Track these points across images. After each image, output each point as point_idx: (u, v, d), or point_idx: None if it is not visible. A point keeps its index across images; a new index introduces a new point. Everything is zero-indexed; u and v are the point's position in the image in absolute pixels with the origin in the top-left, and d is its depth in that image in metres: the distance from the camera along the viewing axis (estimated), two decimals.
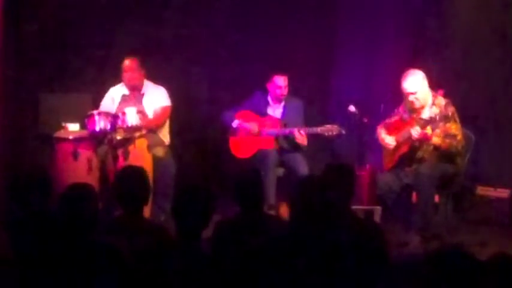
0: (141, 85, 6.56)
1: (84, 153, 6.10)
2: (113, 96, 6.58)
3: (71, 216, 3.77)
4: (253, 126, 6.71)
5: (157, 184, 5.95)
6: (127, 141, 6.09)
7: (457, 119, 5.88)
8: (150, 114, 6.42)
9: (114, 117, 6.10)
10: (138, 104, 6.39)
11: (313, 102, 7.54)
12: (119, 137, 6.10)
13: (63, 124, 6.38)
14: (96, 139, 6.18)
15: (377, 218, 6.12)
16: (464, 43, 7.14)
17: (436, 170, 5.82)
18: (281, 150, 6.70)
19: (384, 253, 3.57)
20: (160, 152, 6.39)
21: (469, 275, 2.92)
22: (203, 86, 7.95)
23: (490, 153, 6.91)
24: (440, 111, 5.83)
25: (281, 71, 6.70)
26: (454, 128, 5.84)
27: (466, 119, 6.07)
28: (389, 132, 6.13)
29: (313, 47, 7.83)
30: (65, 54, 7.50)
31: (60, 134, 6.30)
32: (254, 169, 5.13)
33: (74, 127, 6.35)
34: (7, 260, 3.59)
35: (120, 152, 6.05)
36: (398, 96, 6.13)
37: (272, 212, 6.09)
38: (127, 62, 6.50)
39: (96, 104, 6.63)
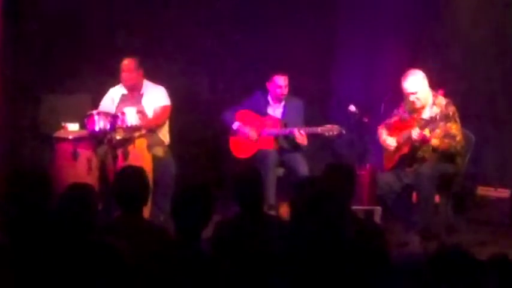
0: (140, 85, 6.55)
1: (84, 153, 6.10)
2: (113, 97, 6.57)
3: (70, 216, 3.76)
4: (252, 133, 6.70)
5: (157, 184, 5.94)
6: (127, 141, 6.08)
7: (458, 119, 5.87)
8: (150, 114, 6.41)
9: (113, 117, 6.09)
10: (137, 104, 6.38)
11: (313, 102, 7.53)
12: (118, 137, 6.09)
13: (63, 124, 6.37)
14: (96, 139, 6.17)
15: (377, 218, 6.12)
16: (464, 43, 7.14)
17: (437, 170, 5.82)
18: (281, 150, 6.69)
19: (384, 253, 3.57)
20: (160, 152, 6.38)
21: (469, 275, 2.92)
22: (203, 86, 7.95)
23: (490, 153, 6.91)
24: (441, 111, 5.83)
25: (281, 71, 6.70)
26: (455, 128, 5.83)
27: (466, 119, 6.06)
28: (390, 132, 6.12)
29: (314, 47, 7.83)
30: (64, 54, 7.49)
31: (60, 133, 6.29)
32: (254, 169, 5.12)
33: (73, 127, 6.35)
34: (6, 260, 3.58)
35: (119, 152, 6.05)
36: (399, 96, 6.13)
37: (272, 212, 6.09)
38: (125, 62, 6.50)
39: (95, 104, 6.62)
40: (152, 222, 4.55)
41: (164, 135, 6.56)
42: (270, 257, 3.55)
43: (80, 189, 3.97)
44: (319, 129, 6.53)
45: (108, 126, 6.05)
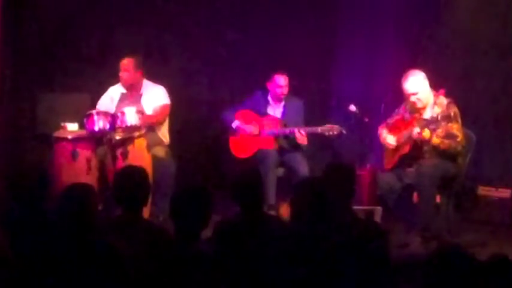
0: (139, 85, 6.54)
1: (83, 153, 6.08)
2: (112, 96, 6.56)
3: (70, 216, 3.76)
4: (253, 129, 6.69)
5: (156, 184, 5.93)
6: (126, 141, 6.06)
7: (459, 119, 5.86)
8: (150, 113, 6.39)
9: (113, 117, 6.07)
10: (136, 104, 6.36)
11: (313, 101, 7.54)
12: (118, 137, 6.08)
13: (62, 124, 6.36)
14: (95, 139, 6.16)
15: (377, 218, 6.10)
16: (464, 43, 7.13)
17: (437, 170, 5.80)
18: (281, 150, 6.68)
19: (385, 254, 3.56)
20: (159, 151, 6.37)
21: (470, 276, 2.91)
22: (203, 86, 7.95)
23: (491, 153, 6.90)
24: (442, 111, 5.82)
25: (281, 71, 6.69)
26: (456, 128, 5.82)
27: (467, 119, 6.05)
28: (391, 132, 6.11)
29: (314, 47, 7.83)
30: (64, 53, 7.48)
31: (59, 133, 6.28)
32: (254, 169, 5.11)
33: (72, 127, 6.33)
34: (6, 260, 3.58)
35: (119, 151, 6.03)
36: (399, 96, 6.12)
37: (272, 212, 6.08)
38: (124, 62, 6.49)
39: (95, 104, 6.61)
40: (152, 222, 4.53)
41: (164, 135, 6.55)
42: (270, 257, 3.55)
43: (79, 189, 3.97)
44: (319, 129, 6.52)
45: (107, 126, 6.04)
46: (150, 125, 6.35)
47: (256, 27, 7.77)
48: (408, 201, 5.95)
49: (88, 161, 6.08)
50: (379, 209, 6.17)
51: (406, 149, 5.97)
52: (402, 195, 5.92)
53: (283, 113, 6.79)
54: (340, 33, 7.91)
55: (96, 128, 6.04)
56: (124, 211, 4.16)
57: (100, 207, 5.00)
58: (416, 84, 5.90)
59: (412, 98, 5.91)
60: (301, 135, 6.52)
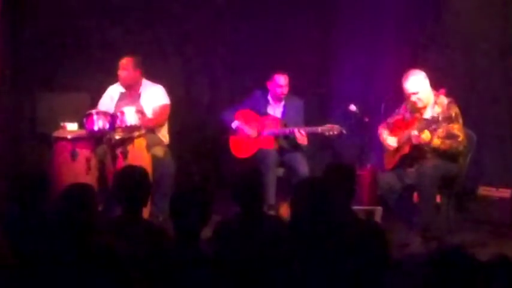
0: (138, 84, 6.52)
1: (83, 153, 6.09)
2: (111, 95, 6.56)
3: (69, 216, 3.75)
4: (252, 132, 6.69)
5: (156, 184, 5.91)
6: (126, 140, 6.06)
7: (460, 119, 5.85)
8: (149, 113, 6.39)
9: (112, 117, 6.07)
10: (136, 103, 6.36)
11: (313, 101, 7.53)
12: (117, 137, 6.07)
13: (62, 123, 6.36)
14: (95, 139, 6.16)
15: (378, 218, 6.10)
16: (464, 42, 7.12)
17: (438, 170, 5.79)
18: (281, 150, 6.68)
19: (385, 254, 3.55)
20: (159, 151, 6.36)
21: (470, 276, 2.91)
22: (203, 86, 7.94)
23: (491, 153, 6.89)
24: (443, 111, 5.81)
25: (281, 70, 6.69)
26: (457, 128, 5.82)
27: (467, 119, 6.04)
28: (391, 132, 6.10)
29: (314, 46, 7.83)
30: (63, 53, 7.48)
31: (59, 133, 6.28)
32: (254, 169, 5.11)
33: (72, 126, 6.34)
34: (5, 260, 3.57)
35: (118, 151, 6.03)
36: (399, 96, 6.11)
37: (272, 212, 6.07)
38: (123, 61, 6.48)
39: (94, 104, 6.61)
40: (151, 223, 4.53)
41: (163, 135, 6.54)
42: (270, 257, 3.54)
43: (79, 189, 3.96)
44: (319, 129, 6.52)
45: (107, 126, 6.03)
46: (150, 128, 6.34)
47: (257, 27, 7.76)
48: (408, 201, 5.95)
49: (87, 160, 6.08)
50: (379, 209, 6.17)
51: (406, 149, 5.96)
52: (402, 195, 5.91)
53: (283, 113, 6.78)
54: (340, 33, 7.90)
55: (96, 128, 6.03)
56: (124, 211, 4.15)
57: (100, 208, 4.99)
58: (417, 83, 5.90)
59: (413, 98, 5.90)
60: (301, 135, 6.52)
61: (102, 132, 6.07)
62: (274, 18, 7.79)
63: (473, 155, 6.10)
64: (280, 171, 6.66)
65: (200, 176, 7.48)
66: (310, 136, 6.58)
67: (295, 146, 6.63)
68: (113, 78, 6.58)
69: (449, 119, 5.77)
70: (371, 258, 3.34)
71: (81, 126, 6.26)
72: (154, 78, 6.62)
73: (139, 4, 7.70)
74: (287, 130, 6.65)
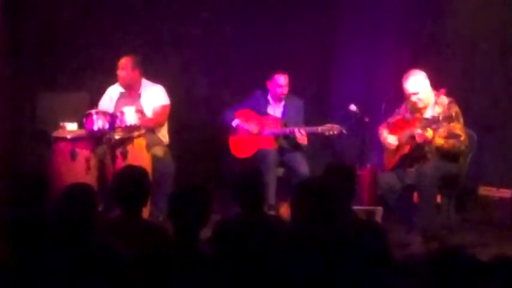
0: (137, 84, 6.51)
1: (82, 153, 6.07)
2: (111, 95, 6.55)
3: (69, 216, 3.74)
4: (253, 127, 6.68)
5: (156, 184, 5.90)
6: (125, 140, 6.05)
7: (461, 119, 5.84)
8: (149, 113, 6.38)
9: (112, 117, 6.06)
10: (135, 103, 6.35)
11: (314, 101, 7.52)
12: (117, 137, 6.06)
13: (61, 123, 6.34)
14: (95, 138, 6.14)
15: (378, 218, 6.09)
16: (465, 42, 7.12)
17: (438, 170, 5.79)
18: (281, 150, 6.67)
19: (385, 254, 3.54)
20: (159, 151, 6.35)
21: (471, 276, 2.90)
22: (203, 85, 7.93)
23: (492, 153, 6.88)
24: (443, 111, 5.80)
25: (282, 70, 6.68)
26: (458, 128, 5.81)
27: (467, 119, 6.03)
28: (392, 132, 6.09)
29: (314, 46, 7.82)
30: (63, 53, 7.47)
31: (58, 133, 6.26)
32: (255, 169, 5.10)
33: (71, 126, 6.32)
34: (5, 260, 3.56)
35: (118, 151, 6.01)
36: (400, 95, 6.11)
37: (272, 212, 6.06)
38: (122, 61, 6.47)
39: (94, 103, 6.59)
40: (151, 223, 4.52)
41: (163, 134, 6.53)
42: (270, 258, 3.53)
43: (78, 190, 3.96)
44: (319, 129, 6.51)
45: (106, 126, 6.02)
46: (150, 128, 6.33)
47: (257, 27, 7.75)
48: (409, 202, 5.94)
49: (87, 160, 6.06)
50: (379, 209, 6.16)
51: (406, 149, 5.95)
52: (403, 195, 5.90)
53: (283, 113, 6.77)
54: (340, 33, 7.90)
55: (96, 128, 6.02)
56: (123, 211, 4.14)
57: (99, 208, 4.98)
58: (417, 84, 5.89)
59: (413, 98, 5.90)
60: (301, 135, 6.51)
61: (101, 132, 6.05)
62: (275, 18, 7.78)
63: (474, 155, 6.09)
64: (280, 171, 6.65)
65: (200, 176, 7.47)
66: (310, 136, 6.57)
67: (295, 145, 6.63)
68: (112, 78, 6.57)
69: (449, 119, 5.76)
70: (371, 258, 3.33)
71: (80, 126, 6.25)
72: (154, 78, 6.61)
73: (140, 4, 7.69)
74: (287, 130, 6.65)
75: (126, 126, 6.04)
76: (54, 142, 6.20)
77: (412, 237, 5.77)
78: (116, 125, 6.04)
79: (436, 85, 6.00)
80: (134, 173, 4.27)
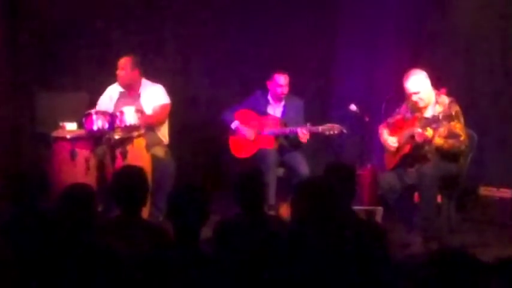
0: (137, 84, 6.50)
1: (82, 153, 6.06)
2: (111, 94, 6.54)
3: (68, 216, 3.74)
4: (250, 134, 6.67)
5: (156, 184, 5.90)
6: (125, 140, 6.04)
7: (461, 118, 5.83)
8: (149, 112, 6.36)
9: (112, 117, 6.05)
10: (135, 103, 6.34)
11: (314, 101, 7.51)
12: (117, 137, 6.05)
13: (61, 123, 6.34)
14: (94, 138, 6.14)
15: (379, 218, 6.08)
16: (465, 41, 7.11)
17: (439, 171, 5.77)
18: (281, 150, 6.66)
19: (385, 254, 3.54)
20: (159, 151, 6.34)
21: (472, 277, 2.88)
22: (203, 85, 7.92)
23: (492, 153, 6.88)
24: (444, 110, 5.79)
25: (282, 70, 6.67)
26: (458, 127, 5.80)
27: (468, 118, 6.02)
28: (392, 131, 6.08)
29: (314, 46, 7.81)
30: (62, 53, 7.46)
31: (58, 133, 6.26)
32: (256, 169, 5.10)
33: (71, 126, 6.31)
34: (5, 261, 3.56)
35: (118, 151, 6.01)
36: (400, 95, 6.09)
37: (272, 212, 6.05)
38: (121, 60, 6.47)
39: (93, 103, 6.58)
40: (151, 223, 4.51)
41: (163, 134, 6.52)
42: (270, 258, 3.52)
43: (78, 190, 3.95)
44: (319, 129, 6.50)
45: (106, 126, 6.01)
46: (150, 126, 6.32)
47: (257, 27, 7.75)
48: (409, 202, 5.93)
49: (87, 160, 6.06)
50: (380, 209, 6.15)
51: (407, 149, 5.94)
52: (403, 195, 5.89)
53: (283, 113, 6.76)
54: (340, 32, 7.89)
55: (95, 128, 6.01)
56: (123, 211, 4.13)
57: (99, 208, 4.98)
58: (418, 83, 5.88)
59: (414, 98, 5.88)
60: (303, 135, 6.50)
61: (101, 132, 6.05)
62: (275, 18, 7.77)
63: (474, 154, 6.08)
64: (280, 171, 6.65)
65: (200, 176, 7.46)
66: (311, 135, 6.56)
67: (295, 145, 6.62)
68: (112, 78, 6.56)
69: (449, 118, 5.75)
70: (371, 258, 3.32)
71: (80, 126, 6.24)
72: (155, 78, 6.60)
73: (140, 4, 7.68)
74: (287, 130, 6.64)
75: (125, 126, 6.03)
76: (53, 142, 6.19)
77: (412, 238, 5.76)
78: (116, 125, 6.03)
79: (436, 84, 5.99)
80: (132, 173, 4.26)
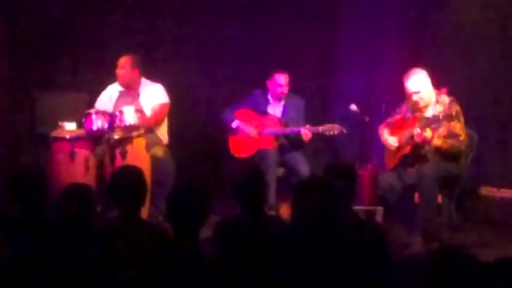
0: (137, 84, 6.49)
1: (81, 153, 6.06)
2: (110, 94, 6.54)
3: (67, 217, 3.73)
4: (252, 131, 6.66)
5: (155, 184, 5.89)
6: (125, 140, 6.03)
7: (461, 118, 5.83)
8: (148, 112, 6.36)
9: (111, 116, 6.04)
10: (134, 103, 6.33)
11: (314, 101, 7.51)
12: (116, 137, 6.04)
13: (60, 123, 6.33)
14: (94, 138, 6.13)
15: (379, 218, 6.07)
16: (466, 41, 7.11)
17: (439, 171, 5.77)
18: (281, 150, 6.65)
19: (385, 254, 3.53)
20: (158, 151, 6.33)
21: (472, 277, 2.88)
22: (203, 85, 7.92)
23: (493, 153, 6.87)
24: (444, 110, 5.78)
25: (282, 69, 6.66)
26: (458, 127, 5.79)
27: (469, 118, 6.02)
28: (392, 131, 6.08)
29: (314, 45, 7.81)
30: (62, 52, 7.46)
31: (57, 133, 6.25)
32: (256, 169, 5.09)
33: (70, 126, 6.30)
34: (5, 261, 3.56)
35: (117, 151, 6.00)
36: (400, 95, 6.09)
37: (272, 212, 6.05)
38: (121, 60, 6.46)
39: (93, 103, 6.58)
40: (150, 223, 4.50)
41: (163, 134, 6.51)
42: (270, 258, 3.52)
43: (77, 190, 3.95)
44: (320, 129, 6.49)
45: (106, 126, 6.01)
46: (149, 127, 6.31)
47: (257, 25, 7.75)
48: (409, 202, 5.92)
49: (86, 160, 6.05)
50: (380, 209, 6.15)
51: (407, 149, 5.94)
52: (403, 195, 5.88)
53: (283, 112, 6.76)
54: (340, 32, 7.89)
55: (95, 128, 6.00)
56: (121, 211, 4.13)
57: (98, 208, 4.97)
58: (418, 83, 5.87)
59: (414, 97, 5.87)
60: (307, 136, 6.49)
61: (101, 132, 6.04)
62: (275, 17, 7.77)
63: (475, 155, 6.07)
64: (281, 171, 6.64)
65: (200, 175, 7.46)
66: (311, 135, 6.55)
67: (295, 145, 6.61)
68: (112, 78, 6.56)
69: (450, 117, 5.74)
70: (371, 258, 3.31)
71: (80, 125, 6.23)
72: (154, 77, 6.60)
73: (139, 3, 7.68)
74: (287, 130, 6.63)
75: (125, 126, 6.02)
76: (53, 142, 6.19)
77: (412, 238, 5.76)
78: (115, 125, 6.03)
79: (437, 84, 5.98)
80: (129, 173, 4.25)
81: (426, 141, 5.78)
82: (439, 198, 5.94)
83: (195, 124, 7.80)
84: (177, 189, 3.77)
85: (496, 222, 6.46)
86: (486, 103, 6.98)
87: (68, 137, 6.14)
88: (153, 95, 6.46)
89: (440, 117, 5.71)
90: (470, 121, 6.07)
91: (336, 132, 6.46)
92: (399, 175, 5.91)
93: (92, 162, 6.07)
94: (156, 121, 6.43)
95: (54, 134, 6.25)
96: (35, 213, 4.16)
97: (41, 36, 7.41)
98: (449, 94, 5.93)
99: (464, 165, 5.95)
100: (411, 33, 7.44)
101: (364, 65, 7.66)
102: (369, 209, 6.22)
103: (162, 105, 6.47)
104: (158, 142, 6.41)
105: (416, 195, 5.93)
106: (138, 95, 6.46)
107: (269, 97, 6.78)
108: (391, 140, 6.04)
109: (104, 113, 6.08)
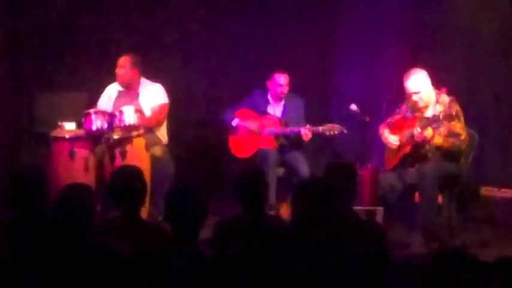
0: (136, 83, 6.48)
1: (81, 153, 6.05)
2: (110, 94, 6.53)
3: (67, 217, 3.73)
4: (254, 125, 6.66)
5: (155, 184, 5.89)
6: (124, 140, 6.03)
7: (462, 118, 5.82)
8: (148, 112, 6.36)
9: (111, 116, 6.04)
10: (134, 102, 6.33)
11: (314, 101, 7.50)
12: (116, 137, 6.04)
13: (60, 123, 6.32)
14: (93, 138, 6.12)
15: (379, 218, 6.06)
16: (466, 41, 7.10)
17: (439, 170, 5.76)
18: (281, 149, 6.64)
19: (385, 254, 3.53)
20: (158, 151, 6.33)
21: (472, 277, 2.88)
22: (202, 85, 7.92)
23: (493, 153, 6.87)
24: (444, 110, 5.78)
25: (282, 69, 6.66)
26: (459, 127, 5.79)
27: (469, 118, 6.01)
28: (392, 131, 6.07)
29: (314, 45, 7.81)
30: (61, 52, 7.45)
31: (57, 133, 6.25)
32: (257, 169, 5.09)
33: (70, 126, 6.30)
34: (4, 260, 3.55)
35: (117, 151, 6.00)
36: (401, 95, 6.09)
37: (272, 212, 6.04)
38: (120, 59, 6.46)
39: (92, 103, 6.57)
40: (150, 223, 4.50)
41: (162, 134, 6.51)
42: (270, 258, 3.51)
43: (77, 190, 3.95)
44: (320, 129, 6.49)
45: (105, 126, 6.00)
46: (149, 128, 6.31)
47: (257, 25, 7.75)
48: (410, 202, 5.91)
49: (86, 160, 6.05)
50: (380, 209, 6.14)
51: (407, 149, 5.93)
52: (404, 195, 5.88)
53: (283, 112, 6.75)
54: (341, 32, 7.89)
55: (94, 128, 6.00)
56: (121, 211, 4.12)
57: (98, 208, 4.97)
58: (418, 82, 5.87)
59: (414, 97, 5.87)
60: (306, 135, 6.48)
61: (100, 131, 6.03)
62: (275, 17, 7.77)
63: (475, 154, 6.07)
64: (281, 171, 6.63)
65: (200, 176, 7.45)
66: (312, 135, 6.55)
67: (295, 145, 6.60)
68: (112, 78, 6.55)
69: (450, 117, 5.74)
70: (372, 258, 3.31)
71: (79, 125, 6.23)
72: (153, 76, 6.59)
73: (139, 3, 7.67)
74: (287, 130, 6.62)
75: (125, 125, 6.02)
76: (52, 142, 6.18)
77: (412, 237, 5.75)
78: (115, 125, 6.02)
79: (437, 84, 5.98)
80: (129, 173, 4.25)
81: (427, 141, 5.78)
82: (440, 198, 5.94)
83: (195, 124, 7.79)
84: (176, 190, 3.77)
85: (496, 222, 6.46)
86: (486, 103, 6.98)
87: (67, 136, 6.13)
88: (153, 95, 6.45)
89: (441, 117, 5.70)
90: (470, 121, 6.07)
91: (336, 132, 6.45)
92: (399, 175, 5.91)
93: (92, 162, 6.07)
94: (157, 122, 6.42)
95: (54, 133, 6.24)
96: (34, 213, 4.16)
97: (41, 36, 7.41)
98: (449, 94, 5.92)
99: (465, 165, 5.95)
100: (411, 33, 7.43)
101: (364, 65, 7.66)
102: (369, 209, 6.21)
103: (162, 106, 6.47)
104: (158, 142, 6.40)
105: (416, 195, 5.93)
106: (137, 94, 6.45)
107: (269, 97, 6.77)
108: (392, 139, 6.03)
109: (103, 113, 6.07)
